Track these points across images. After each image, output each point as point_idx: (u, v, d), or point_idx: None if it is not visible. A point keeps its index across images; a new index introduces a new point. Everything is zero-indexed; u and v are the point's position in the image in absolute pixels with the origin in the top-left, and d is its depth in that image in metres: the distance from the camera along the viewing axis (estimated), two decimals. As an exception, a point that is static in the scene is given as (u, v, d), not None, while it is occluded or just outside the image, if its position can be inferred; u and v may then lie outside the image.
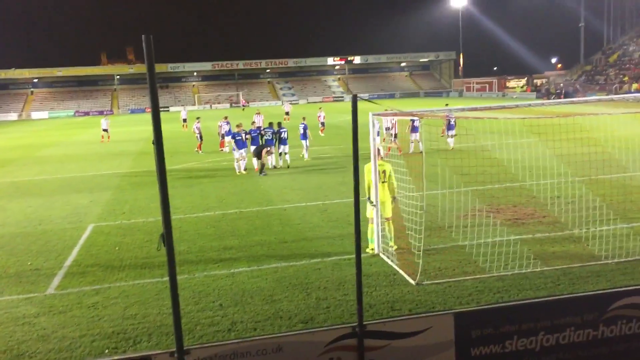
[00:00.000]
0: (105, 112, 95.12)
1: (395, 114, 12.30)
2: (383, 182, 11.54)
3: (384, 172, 11.57)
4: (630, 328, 7.09)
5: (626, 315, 7.07)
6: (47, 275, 11.32)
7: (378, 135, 24.24)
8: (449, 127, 26.60)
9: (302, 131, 26.79)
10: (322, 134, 37.52)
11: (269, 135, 24.05)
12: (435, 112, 13.48)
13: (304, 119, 28.45)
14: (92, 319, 9.07)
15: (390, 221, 11.62)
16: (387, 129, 26.34)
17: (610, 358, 7.06)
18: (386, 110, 12.82)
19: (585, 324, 6.97)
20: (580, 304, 7.12)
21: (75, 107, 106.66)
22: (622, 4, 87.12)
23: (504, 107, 11.20)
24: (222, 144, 31.96)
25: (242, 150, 23.29)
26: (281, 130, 24.24)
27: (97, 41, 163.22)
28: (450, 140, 26.75)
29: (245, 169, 23.41)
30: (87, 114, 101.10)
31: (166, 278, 10.44)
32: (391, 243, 11.52)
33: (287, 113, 54.79)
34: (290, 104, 65.02)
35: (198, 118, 34.52)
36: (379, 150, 11.61)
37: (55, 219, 16.45)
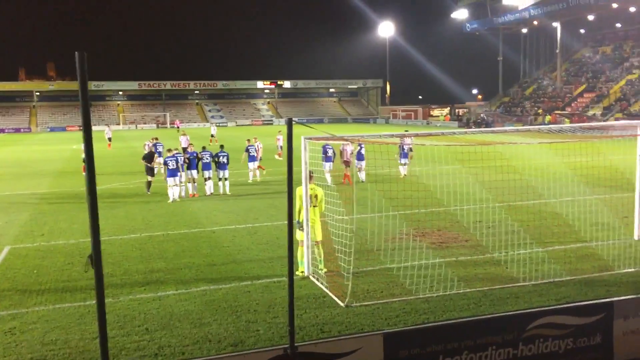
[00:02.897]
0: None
1: (329, 139, 12.52)
2: (314, 206, 11.68)
3: (315, 196, 11.70)
4: (547, 347, 7.49)
5: (543, 334, 7.48)
6: (-43, 300, 10.66)
7: (331, 160, 24.09)
8: (403, 154, 26.05)
9: (253, 153, 26.06)
10: (280, 158, 36.03)
11: (207, 159, 22.55)
12: (366, 137, 13.83)
13: (248, 140, 26.90)
14: (9, 345, 8.61)
15: (320, 244, 11.75)
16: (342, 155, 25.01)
17: (529, 375, 7.41)
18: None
19: (505, 343, 7.32)
20: (501, 323, 7.48)
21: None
22: (537, 41, 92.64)
23: (453, 134, 12.77)
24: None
25: (176, 178, 21.24)
26: (220, 155, 22.64)
27: (15, 56, 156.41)
28: (402, 168, 26.19)
29: (179, 197, 21.51)
30: (2, 131, 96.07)
31: (88, 302, 10.13)
32: (321, 266, 11.64)
33: (212, 135, 53.50)
34: (216, 126, 62.95)
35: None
36: (310, 173, 11.74)
37: (-33, 240, 15.53)
